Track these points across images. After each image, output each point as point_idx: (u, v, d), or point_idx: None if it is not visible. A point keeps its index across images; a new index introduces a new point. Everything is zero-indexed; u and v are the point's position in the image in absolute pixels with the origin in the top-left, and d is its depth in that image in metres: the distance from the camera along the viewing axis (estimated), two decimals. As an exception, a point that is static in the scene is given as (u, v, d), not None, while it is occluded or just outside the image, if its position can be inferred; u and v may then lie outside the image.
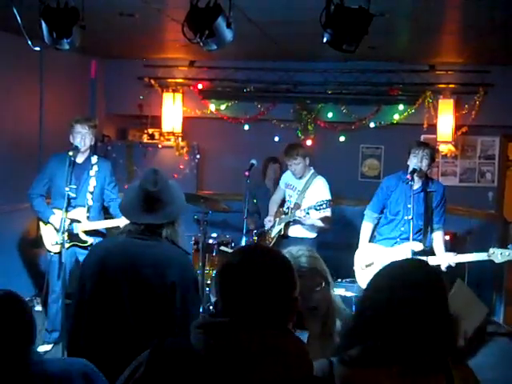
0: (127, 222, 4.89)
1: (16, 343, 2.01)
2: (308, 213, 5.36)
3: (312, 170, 5.78)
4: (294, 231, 5.72)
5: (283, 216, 5.78)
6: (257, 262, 1.59)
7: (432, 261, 4.75)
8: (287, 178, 5.92)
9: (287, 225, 5.72)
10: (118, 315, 2.71)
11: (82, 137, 5.16)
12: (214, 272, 6.42)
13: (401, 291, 1.79)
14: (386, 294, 1.81)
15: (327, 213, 5.39)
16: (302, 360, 1.52)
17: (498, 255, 4.56)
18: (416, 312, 1.76)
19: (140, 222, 2.83)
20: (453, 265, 4.73)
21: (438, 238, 4.97)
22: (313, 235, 5.69)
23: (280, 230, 5.76)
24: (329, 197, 5.44)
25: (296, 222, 5.64)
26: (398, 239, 4.96)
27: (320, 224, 5.53)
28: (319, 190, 5.60)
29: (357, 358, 1.75)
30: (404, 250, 4.73)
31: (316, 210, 5.26)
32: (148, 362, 1.59)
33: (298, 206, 5.59)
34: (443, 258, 4.76)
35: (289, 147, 5.69)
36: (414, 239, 4.71)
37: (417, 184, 4.92)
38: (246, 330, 1.50)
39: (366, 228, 5.20)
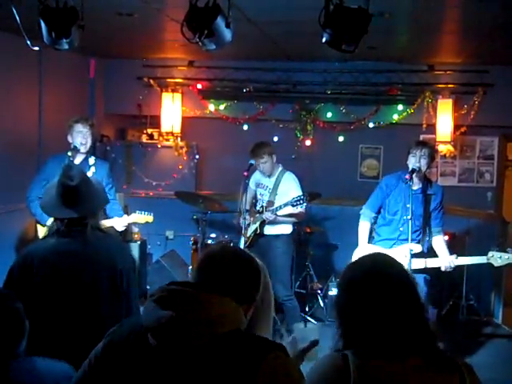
0: (123, 221, 4.87)
1: (6, 337, 2.05)
2: (276, 212, 5.46)
3: (280, 167, 5.83)
4: (270, 229, 5.77)
5: (257, 215, 5.82)
6: (227, 254, 1.83)
7: (431, 263, 4.75)
8: (257, 177, 5.95)
9: (262, 223, 5.75)
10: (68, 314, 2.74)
11: (84, 136, 5.12)
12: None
13: (377, 286, 1.83)
14: (362, 289, 1.85)
15: (302, 209, 5.49)
16: (225, 317, 1.66)
17: (497, 259, 4.57)
18: (397, 305, 1.81)
19: (62, 217, 2.86)
20: (452, 266, 4.73)
21: (440, 242, 4.94)
22: (288, 230, 5.76)
23: (256, 229, 5.79)
24: (300, 192, 5.51)
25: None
26: (397, 240, 4.94)
27: (291, 219, 5.63)
28: (290, 185, 5.67)
29: (371, 351, 1.78)
30: (403, 251, 4.72)
31: (292, 206, 5.35)
32: (104, 346, 1.76)
33: (271, 204, 5.65)
34: (444, 261, 4.75)
35: (254, 147, 5.72)
36: (412, 239, 4.70)
37: (416, 185, 4.90)
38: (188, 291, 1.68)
39: (364, 227, 5.18)
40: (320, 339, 2.13)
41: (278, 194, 5.70)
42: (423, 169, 4.85)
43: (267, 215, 5.54)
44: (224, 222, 7.43)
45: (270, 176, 5.80)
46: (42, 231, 5.29)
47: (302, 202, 5.30)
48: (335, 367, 1.77)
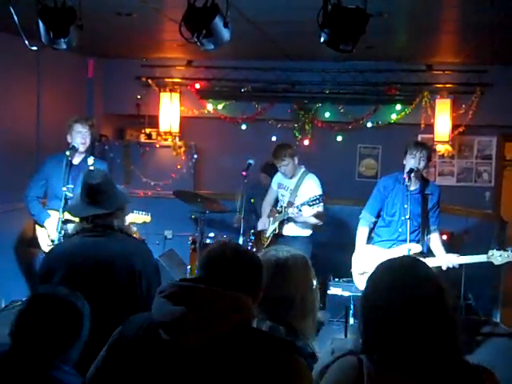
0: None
1: (52, 343, 2.08)
2: (300, 209, 5.39)
3: (303, 169, 5.80)
4: (289, 230, 5.74)
5: (277, 215, 5.81)
6: (229, 252, 1.86)
7: (431, 262, 4.75)
8: (279, 178, 5.93)
9: (281, 224, 5.74)
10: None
11: (83, 136, 5.12)
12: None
13: (401, 291, 1.77)
14: (385, 294, 1.79)
15: (320, 208, 5.42)
16: (234, 309, 1.70)
17: (498, 257, 4.57)
18: (423, 313, 1.74)
19: (86, 215, 2.91)
20: (456, 266, 4.73)
21: (436, 240, 4.95)
22: (307, 233, 5.72)
23: (275, 229, 5.79)
24: (320, 192, 5.46)
25: (290, 220, 5.66)
26: (396, 241, 4.95)
27: (313, 220, 5.56)
28: (311, 187, 5.62)
29: (384, 359, 1.73)
30: (402, 252, 4.73)
31: (309, 205, 5.29)
32: (117, 337, 1.82)
33: (291, 205, 5.62)
34: (445, 260, 4.75)
35: (276, 149, 5.71)
36: (411, 240, 4.70)
37: (414, 185, 4.90)
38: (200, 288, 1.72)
39: (362, 233, 5.14)
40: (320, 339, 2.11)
41: (298, 196, 5.65)
42: (422, 170, 4.86)
43: (291, 211, 5.46)
44: (222, 221, 7.44)
45: (291, 177, 5.77)
46: (40, 230, 5.30)
47: (317, 201, 5.23)
48: (350, 372, 1.74)
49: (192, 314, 1.65)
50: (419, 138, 7.92)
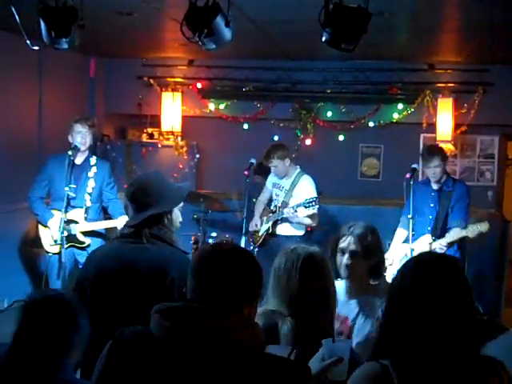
0: (123, 222, 4.82)
1: (51, 349, 2.06)
2: (296, 210, 5.43)
3: (298, 169, 5.83)
4: (282, 229, 5.77)
5: (271, 215, 5.83)
6: (222, 253, 1.78)
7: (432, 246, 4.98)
8: (274, 178, 5.95)
9: (275, 223, 5.77)
10: (118, 317, 2.70)
11: (83, 136, 5.14)
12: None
13: (426, 289, 1.74)
14: (409, 293, 1.76)
15: (314, 210, 5.47)
16: (252, 338, 1.63)
17: (471, 231, 4.88)
18: (447, 310, 1.72)
19: (127, 224, 2.87)
20: (444, 248, 4.92)
21: (453, 231, 5.04)
22: (301, 233, 5.75)
23: (268, 229, 5.81)
24: (315, 194, 5.52)
25: (284, 220, 5.71)
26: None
27: (307, 221, 5.61)
28: (306, 188, 5.67)
29: (409, 362, 1.69)
30: (423, 243, 4.97)
31: (305, 207, 5.35)
32: (109, 350, 1.73)
33: (285, 205, 5.66)
34: (434, 245, 4.94)
35: (267, 150, 5.74)
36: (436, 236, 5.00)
37: (436, 184, 5.15)
38: (199, 312, 1.63)
39: (398, 234, 5.35)
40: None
41: (293, 196, 5.69)
42: (438, 176, 5.08)
43: (287, 211, 5.52)
44: (225, 221, 7.43)
45: (285, 178, 5.80)
46: (43, 231, 5.30)
47: (314, 203, 5.31)
48: (377, 380, 1.68)
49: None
50: (421, 137, 7.93)
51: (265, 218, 5.94)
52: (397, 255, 5.17)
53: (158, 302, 2.63)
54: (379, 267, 2.99)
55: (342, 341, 2.27)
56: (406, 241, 5.23)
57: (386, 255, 5.14)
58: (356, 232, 2.99)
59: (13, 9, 3.70)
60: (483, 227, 4.88)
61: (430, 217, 5.06)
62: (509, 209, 8.13)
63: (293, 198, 5.67)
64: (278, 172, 5.76)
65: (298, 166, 5.88)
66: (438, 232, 5.04)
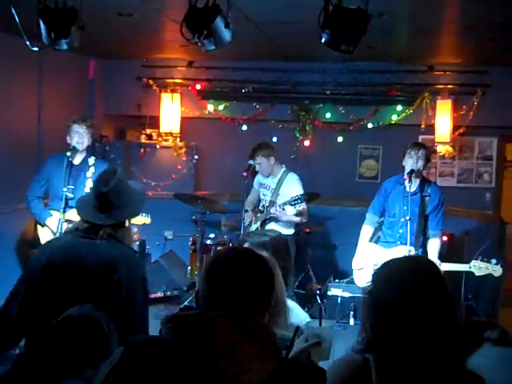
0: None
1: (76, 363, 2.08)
2: (283, 209, 5.45)
3: (283, 168, 5.83)
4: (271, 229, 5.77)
5: (259, 214, 5.84)
6: (240, 258, 1.70)
7: None
8: (260, 177, 5.97)
9: (263, 223, 5.77)
10: (61, 309, 2.71)
11: (80, 136, 5.14)
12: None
13: (400, 293, 1.79)
14: (384, 295, 1.82)
15: (302, 206, 5.47)
16: (271, 343, 1.58)
17: (479, 268, 4.59)
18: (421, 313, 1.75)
19: (92, 221, 2.83)
20: None
21: (432, 246, 4.91)
22: (290, 232, 5.74)
23: (256, 229, 5.80)
24: (301, 191, 5.50)
25: (272, 219, 5.71)
26: (398, 242, 4.94)
27: (296, 219, 5.61)
28: (292, 186, 5.66)
29: (390, 358, 1.74)
30: (401, 253, 4.73)
31: (291, 205, 5.36)
32: (121, 359, 1.63)
33: (273, 204, 5.66)
34: None
35: (252, 149, 5.76)
36: (411, 242, 4.71)
37: (413, 186, 4.90)
38: (218, 317, 1.57)
39: (365, 231, 5.20)
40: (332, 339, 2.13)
41: (280, 195, 5.70)
42: (421, 170, 4.86)
43: (273, 210, 5.53)
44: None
45: (271, 176, 5.81)
46: (41, 231, 5.30)
47: (299, 201, 5.31)
48: (356, 370, 1.74)
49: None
50: (420, 138, 7.92)
51: (254, 218, 5.94)
52: (367, 257, 5.03)
53: (101, 299, 2.67)
54: None
55: (327, 323, 2.33)
56: (375, 241, 5.20)
57: (355, 256, 5.16)
58: None
59: (12, 10, 3.70)
60: (496, 272, 4.61)
61: (402, 219, 4.84)
62: (507, 210, 8.14)
63: (280, 197, 5.67)
64: (262, 170, 5.77)
65: (284, 165, 5.87)
66: (413, 239, 4.80)
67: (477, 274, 4.64)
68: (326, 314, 6.39)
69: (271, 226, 5.76)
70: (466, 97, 7.52)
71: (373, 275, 1.93)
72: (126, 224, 2.93)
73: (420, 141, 7.92)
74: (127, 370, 1.60)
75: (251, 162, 5.96)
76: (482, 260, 4.62)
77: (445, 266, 4.72)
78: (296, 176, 5.78)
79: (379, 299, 1.83)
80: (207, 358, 1.51)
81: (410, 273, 1.83)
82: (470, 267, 4.61)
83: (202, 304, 1.68)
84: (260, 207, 5.93)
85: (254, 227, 5.87)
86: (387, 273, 1.88)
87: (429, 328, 1.74)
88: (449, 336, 1.76)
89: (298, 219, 5.63)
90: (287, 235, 5.73)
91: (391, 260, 1.94)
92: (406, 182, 4.79)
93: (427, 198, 4.89)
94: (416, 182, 4.90)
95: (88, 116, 5.39)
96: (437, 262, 4.73)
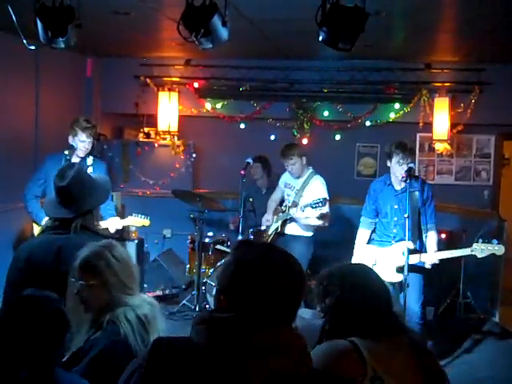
0: (115, 224, 4.81)
1: (45, 343, 2.05)
2: (303, 210, 5.41)
3: (310, 170, 5.79)
4: (291, 229, 5.75)
5: (280, 214, 5.82)
6: (273, 260, 1.62)
7: (422, 258, 4.75)
8: (286, 177, 5.94)
9: (284, 223, 5.75)
10: None
11: (86, 145, 5.12)
12: (212, 270, 6.41)
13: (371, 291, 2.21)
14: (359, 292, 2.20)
15: (324, 210, 5.37)
16: (306, 354, 1.61)
17: (481, 250, 4.56)
18: None
19: (54, 216, 2.92)
20: (436, 262, 4.71)
21: (431, 238, 4.90)
22: (309, 233, 5.72)
23: (277, 228, 5.80)
24: (325, 195, 5.44)
25: (292, 219, 5.68)
26: (393, 241, 4.94)
27: (317, 222, 5.53)
28: (316, 188, 5.62)
29: (372, 333, 2.04)
30: (399, 250, 4.73)
31: (312, 207, 5.29)
32: (148, 359, 1.58)
33: (295, 205, 5.62)
34: (429, 257, 4.74)
35: (285, 148, 5.70)
36: (408, 236, 4.69)
37: (400, 184, 4.87)
38: (253, 326, 1.52)
39: (361, 234, 5.17)
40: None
41: (303, 196, 5.65)
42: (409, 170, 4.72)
43: (293, 211, 5.50)
44: (221, 220, 7.44)
45: (298, 177, 5.77)
46: (38, 230, 5.28)
47: (321, 204, 5.22)
48: (349, 352, 1.95)
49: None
50: (418, 136, 7.96)
51: (275, 217, 5.93)
52: (364, 259, 4.93)
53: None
54: None
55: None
56: (369, 242, 5.15)
57: (353, 259, 5.14)
58: None
59: (9, 8, 3.69)
60: (498, 251, 4.56)
61: (395, 218, 4.84)
62: (505, 208, 8.16)
63: (303, 198, 5.63)
64: (295, 170, 5.70)
65: (311, 167, 5.83)
66: (410, 234, 4.66)
67: (479, 256, 4.60)
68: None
69: (291, 226, 5.76)
70: (464, 94, 7.53)
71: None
72: (93, 213, 3.01)
73: (418, 139, 7.99)
74: (156, 371, 1.55)
75: (249, 160, 5.96)
76: (483, 242, 4.60)
77: (446, 254, 4.73)
78: (321, 179, 5.72)
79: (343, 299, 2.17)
80: (243, 363, 1.48)
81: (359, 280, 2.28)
82: (472, 250, 4.58)
83: (229, 306, 1.60)
84: (283, 207, 5.91)
85: (274, 226, 5.88)
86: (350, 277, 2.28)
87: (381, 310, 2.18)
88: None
89: (318, 222, 5.54)
90: (306, 237, 5.73)
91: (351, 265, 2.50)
92: (407, 180, 4.68)
93: (417, 193, 4.84)
94: (402, 181, 4.86)
95: (92, 121, 5.28)
96: (437, 252, 4.75)
